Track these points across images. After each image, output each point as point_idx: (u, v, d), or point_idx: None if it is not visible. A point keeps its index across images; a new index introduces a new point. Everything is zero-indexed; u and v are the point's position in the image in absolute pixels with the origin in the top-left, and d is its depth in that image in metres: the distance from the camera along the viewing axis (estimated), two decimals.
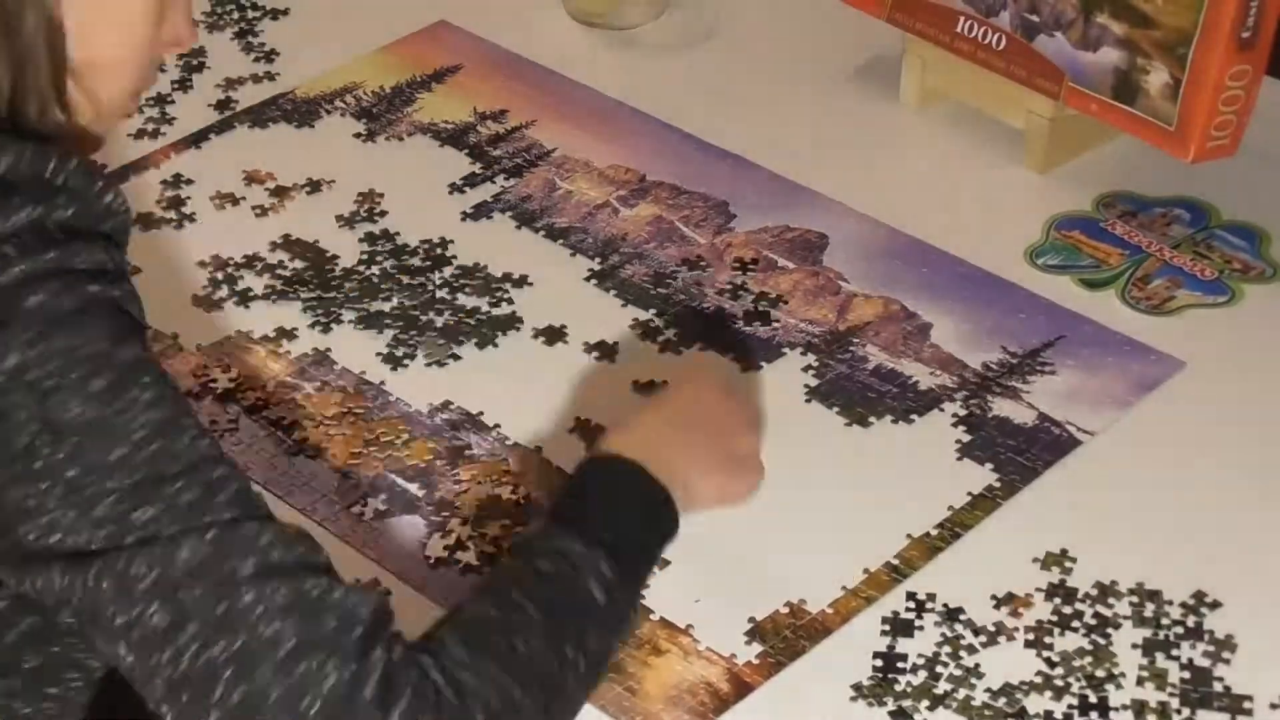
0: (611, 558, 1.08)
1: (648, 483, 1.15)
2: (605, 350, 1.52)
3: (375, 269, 1.61)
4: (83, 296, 0.97)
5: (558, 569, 1.07)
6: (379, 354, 1.52)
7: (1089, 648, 1.27)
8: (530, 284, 1.59)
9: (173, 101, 1.84)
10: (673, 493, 1.16)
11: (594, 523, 1.11)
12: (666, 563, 1.32)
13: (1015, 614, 1.29)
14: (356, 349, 1.53)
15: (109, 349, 0.97)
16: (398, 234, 1.65)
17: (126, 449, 0.96)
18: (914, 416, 1.45)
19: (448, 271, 1.60)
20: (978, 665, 1.26)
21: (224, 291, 1.59)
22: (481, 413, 1.46)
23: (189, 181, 1.72)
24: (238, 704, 0.96)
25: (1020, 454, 1.41)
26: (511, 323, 1.55)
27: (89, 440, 0.96)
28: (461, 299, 1.57)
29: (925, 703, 1.23)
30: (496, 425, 1.45)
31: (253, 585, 0.96)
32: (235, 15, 1.97)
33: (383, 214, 1.67)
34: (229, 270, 1.61)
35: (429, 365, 1.51)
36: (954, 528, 1.35)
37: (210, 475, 0.98)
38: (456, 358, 1.52)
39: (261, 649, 0.96)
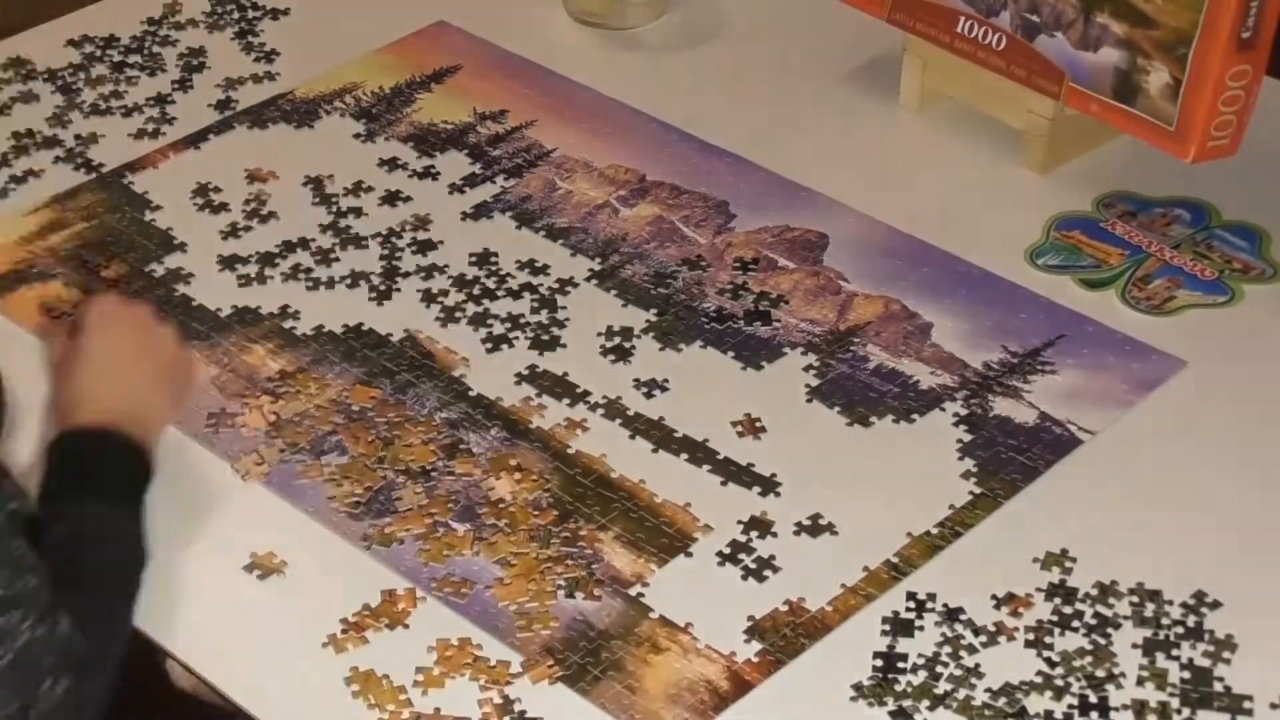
0: (125, 507, 1.29)
1: (117, 440, 1.32)
2: (606, 350, 1.52)
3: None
4: None
5: (103, 533, 1.27)
6: (383, 355, 1.53)
7: (1089, 648, 1.26)
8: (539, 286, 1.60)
9: (173, 101, 1.84)
10: (135, 431, 1.33)
11: (101, 485, 1.29)
12: (664, 560, 1.33)
13: (1015, 614, 1.29)
14: (357, 348, 1.53)
15: None
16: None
17: None
18: (915, 416, 1.45)
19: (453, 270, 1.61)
20: (978, 665, 1.25)
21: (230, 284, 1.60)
22: (481, 411, 1.46)
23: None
24: None
25: (1021, 453, 1.41)
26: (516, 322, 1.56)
27: None
28: (466, 298, 1.58)
29: (925, 702, 1.23)
30: (496, 423, 1.45)
31: None
32: (235, 15, 1.97)
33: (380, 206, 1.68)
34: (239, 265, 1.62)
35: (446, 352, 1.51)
36: (954, 527, 1.35)
37: None
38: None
39: None
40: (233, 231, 1.66)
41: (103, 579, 1.24)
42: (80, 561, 1.23)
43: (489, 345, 1.53)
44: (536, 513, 1.37)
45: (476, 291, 1.58)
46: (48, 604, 1.15)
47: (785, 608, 1.29)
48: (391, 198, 1.70)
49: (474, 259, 1.62)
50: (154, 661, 1.36)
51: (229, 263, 1.63)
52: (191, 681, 1.33)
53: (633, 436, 1.44)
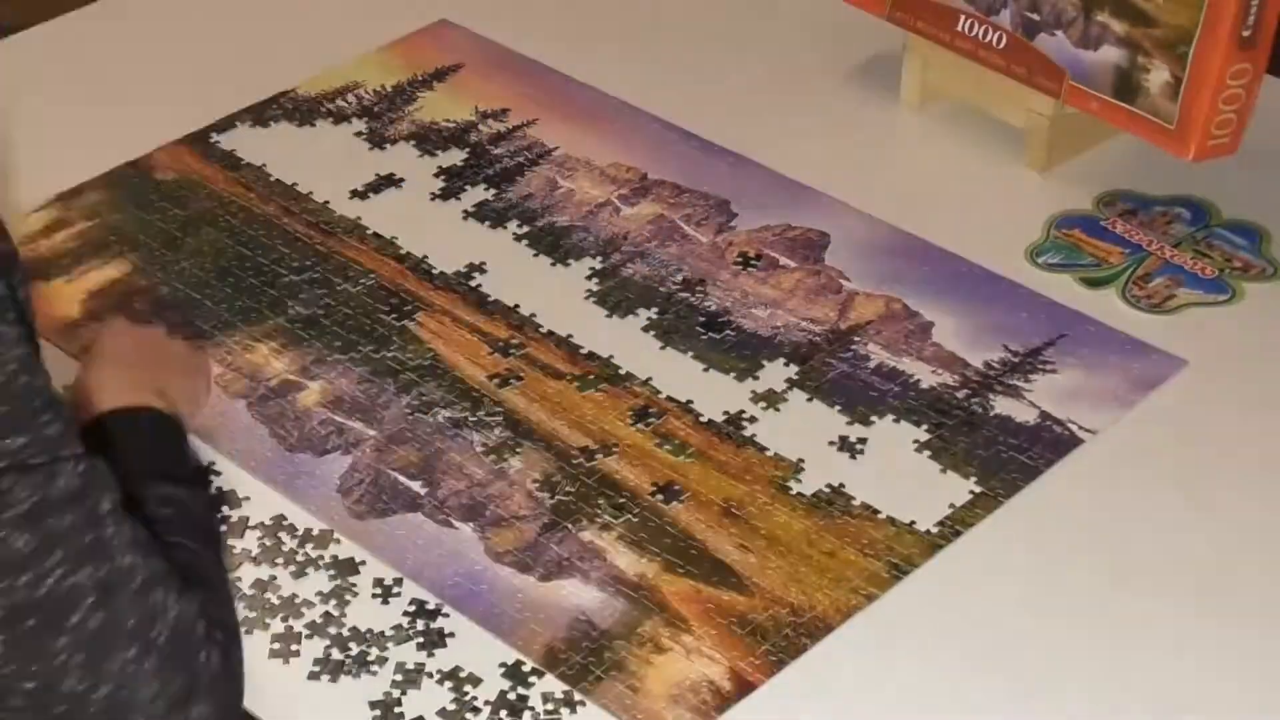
0: (187, 484, 1.29)
1: (147, 421, 1.32)
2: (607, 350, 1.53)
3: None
4: None
5: (175, 510, 1.23)
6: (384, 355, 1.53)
7: None
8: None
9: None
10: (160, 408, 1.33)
11: (154, 466, 1.27)
12: (673, 564, 1.33)
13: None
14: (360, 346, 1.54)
15: None
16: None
17: None
18: (916, 415, 1.46)
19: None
20: None
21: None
22: (482, 411, 1.46)
23: None
24: (96, 630, 1.04)
25: (1022, 453, 1.41)
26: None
27: None
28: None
29: None
30: (497, 423, 1.45)
31: (111, 519, 1.06)
32: None
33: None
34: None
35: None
36: (955, 526, 1.36)
37: (65, 412, 1.06)
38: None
39: (121, 579, 1.06)
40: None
41: (199, 555, 1.21)
42: (173, 544, 1.20)
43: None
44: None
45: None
46: (181, 580, 1.12)
47: (786, 608, 1.30)
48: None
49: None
50: None
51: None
52: None
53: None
